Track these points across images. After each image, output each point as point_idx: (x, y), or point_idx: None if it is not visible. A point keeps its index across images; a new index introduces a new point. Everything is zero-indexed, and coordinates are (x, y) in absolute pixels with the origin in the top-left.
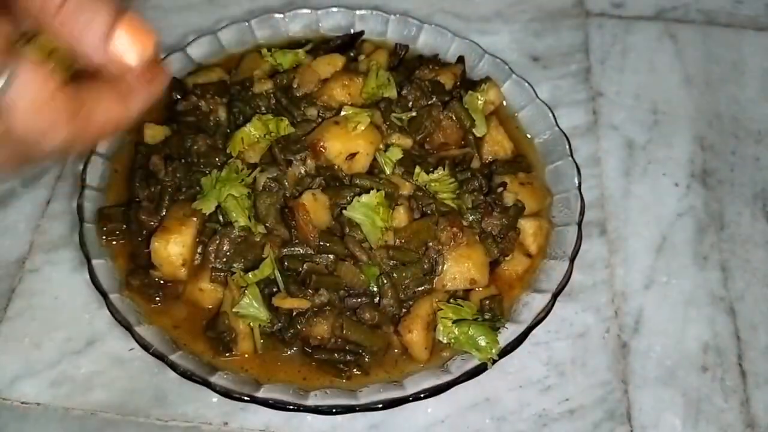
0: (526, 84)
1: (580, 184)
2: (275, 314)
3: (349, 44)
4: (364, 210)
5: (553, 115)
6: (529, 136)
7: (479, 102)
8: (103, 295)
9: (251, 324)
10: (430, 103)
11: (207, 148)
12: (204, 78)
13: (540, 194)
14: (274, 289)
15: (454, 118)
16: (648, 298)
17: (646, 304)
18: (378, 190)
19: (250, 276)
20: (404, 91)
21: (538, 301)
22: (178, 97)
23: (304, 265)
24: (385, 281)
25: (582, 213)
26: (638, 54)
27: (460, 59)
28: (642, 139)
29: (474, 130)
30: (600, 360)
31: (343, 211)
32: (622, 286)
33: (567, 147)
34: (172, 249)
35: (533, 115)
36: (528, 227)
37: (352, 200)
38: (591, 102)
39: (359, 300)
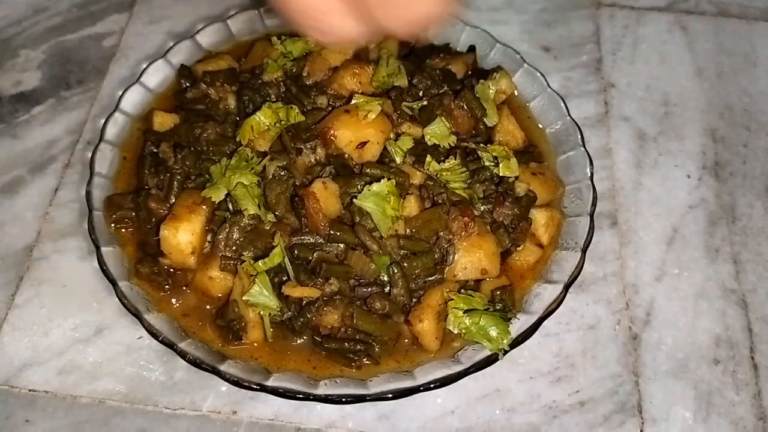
0: (538, 74)
1: (592, 174)
2: (285, 303)
3: None
4: (375, 199)
5: (565, 105)
6: (540, 126)
7: (490, 91)
8: (112, 282)
9: (261, 312)
10: (441, 92)
11: (216, 136)
12: (213, 66)
13: (552, 184)
14: (284, 278)
15: (465, 107)
16: (659, 290)
17: (657, 296)
18: (389, 179)
19: (260, 264)
20: (415, 80)
21: (550, 292)
22: (187, 84)
23: (314, 254)
24: (396, 271)
25: (594, 204)
26: (649, 45)
27: (472, 48)
28: (653, 131)
29: (485, 120)
30: (611, 352)
31: (354, 200)
32: (633, 278)
33: (579, 137)
34: (182, 237)
35: (545, 105)
36: (540, 218)
37: (362, 189)
38: (602, 93)
39: (369, 289)
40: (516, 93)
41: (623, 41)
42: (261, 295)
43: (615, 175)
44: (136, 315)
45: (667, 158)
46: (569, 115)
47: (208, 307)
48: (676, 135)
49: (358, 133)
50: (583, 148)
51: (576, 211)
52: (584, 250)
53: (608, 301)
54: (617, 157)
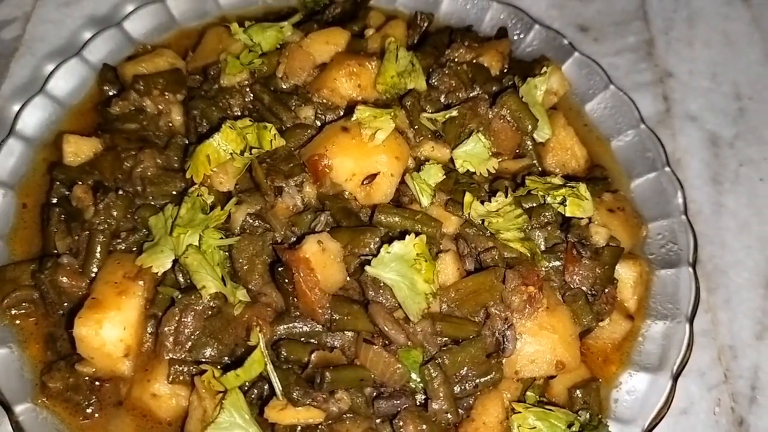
0: (596, 65)
1: (685, 206)
2: None
3: (351, 13)
4: (399, 265)
5: (637, 108)
6: (601, 136)
7: (538, 93)
8: (5, 408)
9: None
10: (472, 95)
11: (157, 171)
12: (149, 65)
13: (634, 224)
14: (266, 388)
15: (509, 117)
16: (763, 352)
17: (761, 360)
18: (417, 233)
19: (231, 376)
20: (434, 79)
21: (648, 384)
22: (112, 93)
23: (312, 354)
24: (434, 372)
25: (695, 250)
26: (708, 22)
27: (503, 32)
28: (728, 134)
29: (535, 134)
30: None
31: (366, 268)
32: (728, 337)
33: (661, 152)
34: (108, 333)
35: (606, 109)
36: (626, 274)
37: (378, 249)
38: (659, 85)
39: (396, 402)
40: (568, 93)
41: (675, 17)
42: (233, 425)
43: (689, 195)
44: None
45: (749, 169)
46: (643, 121)
47: None
48: (756, 138)
49: (363, 161)
50: (668, 169)
51: (668, 261)
52: (691, 321)
53: (701, 372)
54: (689, 170)
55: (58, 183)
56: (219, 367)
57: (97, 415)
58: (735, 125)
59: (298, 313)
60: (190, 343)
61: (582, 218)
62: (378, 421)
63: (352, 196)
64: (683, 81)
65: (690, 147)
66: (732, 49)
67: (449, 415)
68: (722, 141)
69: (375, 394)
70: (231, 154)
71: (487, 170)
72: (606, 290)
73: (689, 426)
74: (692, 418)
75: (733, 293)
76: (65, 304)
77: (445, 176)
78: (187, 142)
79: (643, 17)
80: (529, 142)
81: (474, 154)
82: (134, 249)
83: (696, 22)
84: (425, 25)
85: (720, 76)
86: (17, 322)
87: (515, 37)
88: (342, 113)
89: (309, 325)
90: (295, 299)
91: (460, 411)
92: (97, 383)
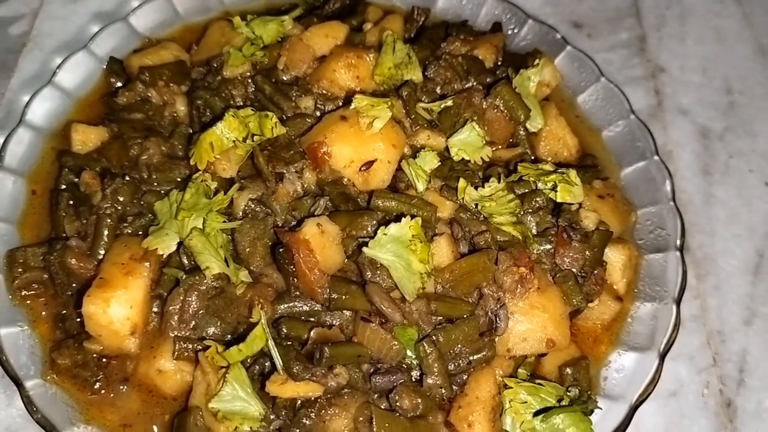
0: (587, 59)
1: (673, 193)
2: (272, 407)
3: (350, 8)
4: (394, 247)
5: (627, 99)
6: (593, 127)
7: (531, 84)
8: (16, 382)
9: (238, 427)
10: (467, 86)
11: (161, 158)
12: (154, 58)
13: (624, 210)
14: (267, 364)
15: (502, 107)
16: (751, 336)
17: (749, 345)
18: (412, 216)
19: (234, 351)
20: (431, 71)
21: (637, 363)
22: (119, 85)
23: (311, 331)
24: (429, 349)
25: (683, 235)
26: (699, 19)
27: (497, 27)
28: (718, 127)
29: (528, 124)
30: (701, 427)
31: (364, 249)
32: (717, 322)
33: (650, 142)
34: (115, 312)
35: (598, 100)
36: (615, 258)
37: (375, 232)
38: (651, 79)
39: (392, 378)
40: (560, 85)
41: (668, 14)
42: (236, 398)
43: (680, 185)
44: None
45: (738, 161)
46: (633, 112)
47: (158, 412)
48: (745, 131)
49: (361, 148)
50: (657, 158)
51: (656, 245)
52: (678, 302)
53: (690, 356)
54: (680, 162)
55: (66, 169)
56: (222, 343)
57: (104, 390)
58: (725, 119)
59: (298, 293)
60: (194, 322)
61: (572, 203)
62: (375, 395)
63: (350, 182)
64: (675, 76)
65: (681, 140)
66: (723, 45)
67: (443, 390)
68: (712, 134)
69: (372, 369)
70: (234, 141)
71: (481, 158)
72: (595, 272)
73: (678, 407)
74: (681, 400)
75: (722, 280)
76: (74, 285)
77: (440, 163)
78: (191, 131)
79: (635, 14)
80: (522, 132)
81: (468, 143)
82: (140, 232)
83: (688, 19)
84: (422, 19)
85: (711, 72)
86: (27, 302)
87: (509, 32)
88: (341, 103)
89: (309, 305)
90: (296, 279)
91: (454, 387)
92: (104, 360)
